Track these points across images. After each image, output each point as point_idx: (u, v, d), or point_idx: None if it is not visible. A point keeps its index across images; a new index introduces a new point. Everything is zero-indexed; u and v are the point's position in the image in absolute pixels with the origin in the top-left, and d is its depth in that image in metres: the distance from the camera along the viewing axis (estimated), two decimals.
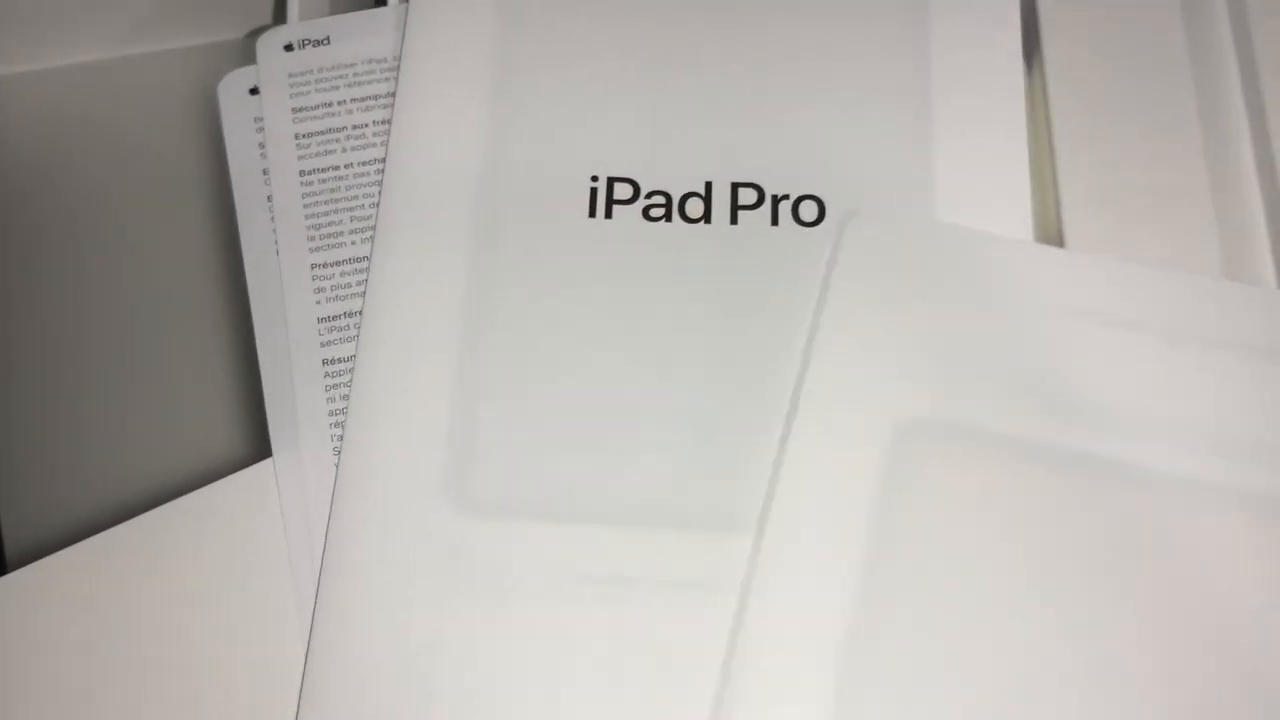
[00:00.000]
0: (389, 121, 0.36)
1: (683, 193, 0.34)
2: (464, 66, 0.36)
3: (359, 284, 0.34)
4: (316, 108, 0.37)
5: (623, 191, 0.34)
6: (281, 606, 0.30)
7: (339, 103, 0.37)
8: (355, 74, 0.38)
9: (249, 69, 0.38)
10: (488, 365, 0.32)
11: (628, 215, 0.34)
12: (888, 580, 0.30)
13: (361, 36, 0.39)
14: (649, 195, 0.34)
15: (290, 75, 0.38)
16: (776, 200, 0.34)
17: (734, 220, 0.34)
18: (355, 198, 0.36)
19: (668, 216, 0.34)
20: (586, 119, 0.35)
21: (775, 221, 0.34)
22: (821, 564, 0.30)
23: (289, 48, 0.38)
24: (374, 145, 0.36)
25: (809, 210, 0.34)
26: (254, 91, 0.38)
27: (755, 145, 0.35)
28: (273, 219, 0.35)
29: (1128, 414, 0.31)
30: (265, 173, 0.36)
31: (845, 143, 0.35)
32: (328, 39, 0.39)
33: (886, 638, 0.29)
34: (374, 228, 0.34)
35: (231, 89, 0.38)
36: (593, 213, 0.34)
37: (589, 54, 0.36)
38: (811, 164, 0.35)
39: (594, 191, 0.34)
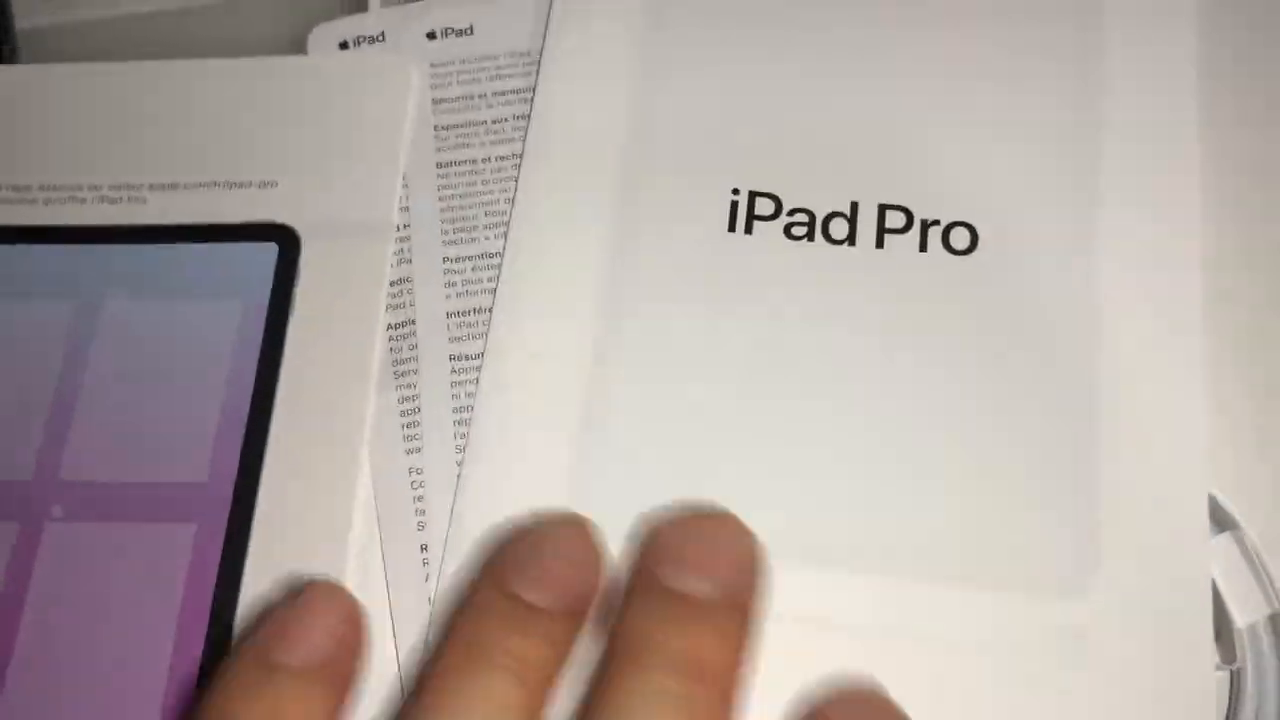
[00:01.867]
0: (529, 116, 0.36)
1: (827, 212, 0.33)
2: (605, 67, 0.35)
3: (490, 280, 0.34)
4: (457, 99, 0.37)
5: (764, 207, 0.34)
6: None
7: (479, 95, 0.37)
8: (498, 67, 0.37)
9: (338, 21, 0.38)
10: (619, 379, 0.32)
11: (769, 232, 0.33)
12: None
13: (506, 26, 0.38)
14: (791, 213, 0.33)
15: (433, 65, 0.38)
16: (925, 225, 0.33)
17: (879, 244, 0.33)
18: (491, 192, 0.35)
19: (810, 236, 0.33)
20: (728, 129, 0.35)
21: (924, 248, 0.33)
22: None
23: (432, 36, 0.38)
24: (512, 140, 0.36)
25: (960, 238, 0.33)
26: (343, 46, 0.38)
27: (905, 165, 0.34)
28: None
29: None
30: None
31: (1002, 168, 0.34)
32: (471, 28, 0.38)
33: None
34: (508, 224, 0.34)
35: (321, 42, 0.38)
36: (733, 227, 0.33)
37: (733, 62, 0.35)
38: (964, 188, 0.33)
39: (734, 205, 0.34)
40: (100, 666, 0.29)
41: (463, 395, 0.32)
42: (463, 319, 0.33)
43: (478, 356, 0.32)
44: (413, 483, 0.32)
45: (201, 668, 0.29)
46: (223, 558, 0.30)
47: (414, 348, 0.33)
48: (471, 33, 0.38)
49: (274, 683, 0.25)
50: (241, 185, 0.35)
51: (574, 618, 0.26)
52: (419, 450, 0.32)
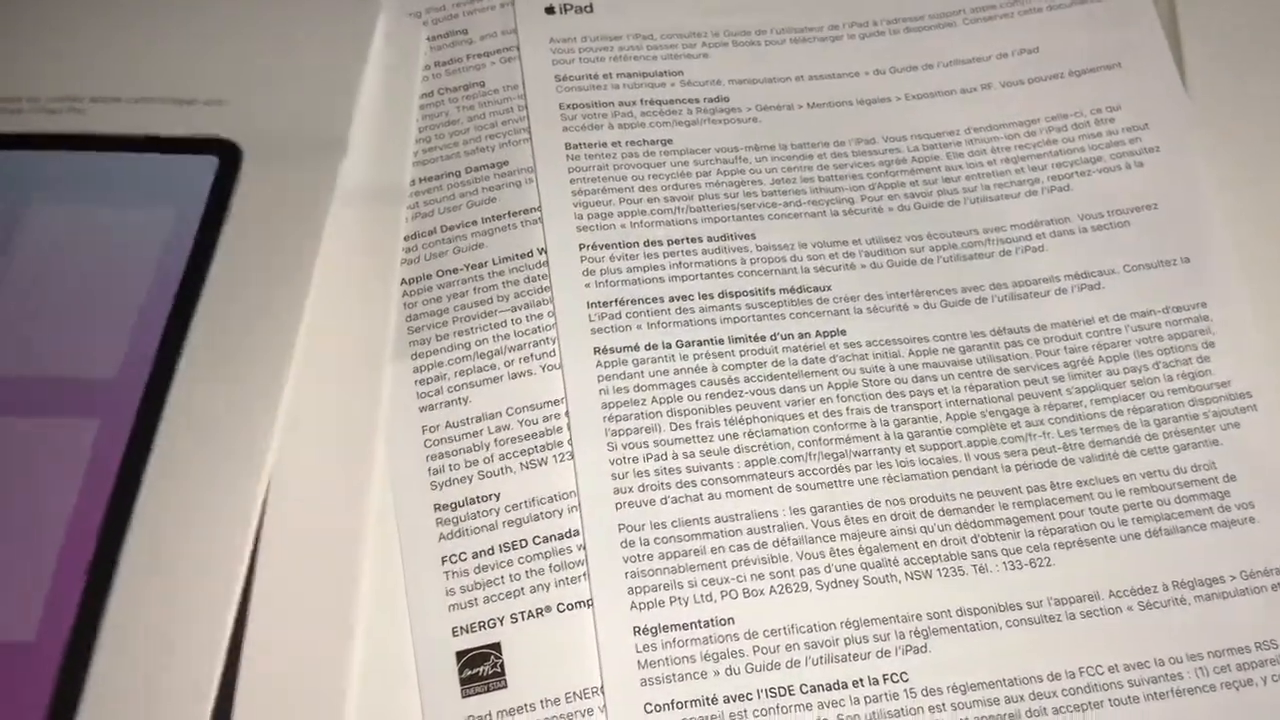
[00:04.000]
0: (659, 102, 0.36)
1: None
2: None
3: (630, 269, 0.34)
4: (581, 78, 0.37)
5: None
6: None
7: (604, 75, 0.37)
8: (621, 48, 0.38)
9: None
10: None
11: None
12: None
13: (626, 7, 0.38)
14: None
15: (552, 40, 0.38)
16: None
17: None
18: (624, 178, 0.36)
19: None
20: None
21: None
22: None
23: (550, 10, 0.38)
24: (642, 125, 0.36)
25: None
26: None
27: None
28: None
29: None
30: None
31: None
32: (591, 6, 0.39)
33: None
34: None
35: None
36: None
37: None
38: None
39: None
40: None
41: (611, 391, 0.32)
42: (604, 309, 0.34)
43: (622, 350, 0.33)
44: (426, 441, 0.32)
45: (90, 569, 0.28)
46: (125, 454, 0.29)
47: (429, 302, 0.34)
48: (591, 10, 0.38)
49: None
50: (187, 102, 0.35)
51: None
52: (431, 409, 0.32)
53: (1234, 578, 0.30)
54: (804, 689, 0.29)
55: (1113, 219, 0.35)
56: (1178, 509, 0.31)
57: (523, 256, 0.34)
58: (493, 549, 0.31)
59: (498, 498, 0.31)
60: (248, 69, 0.36)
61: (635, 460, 0.31)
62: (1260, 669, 0.30)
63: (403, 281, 0.34)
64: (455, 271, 0.34)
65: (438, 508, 0.31)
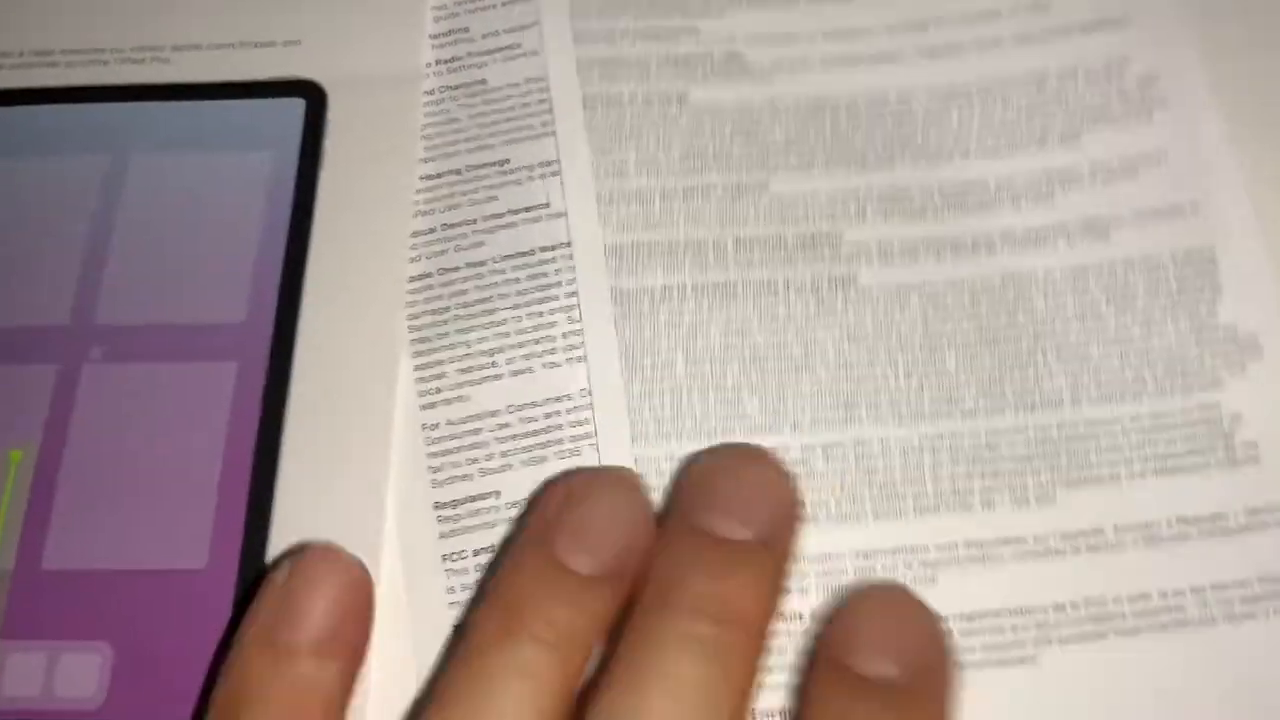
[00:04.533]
0: (675, 58, 0.37)
1: None
2: None
3: (645, 216, 0.35)
4: (598, 33, 0.38)
5: None
6: None
7: (621, 31, 0.38)
8: (638, 5, 0.38)
9: None
10: None
11: None
12: None
13: None
14: None
15: None
16: None
17: None
18: (640, 132, 0.36)
19: None
20: None
21: None
22: None
23: None
24: (658, 80, 0.37)
25: None
26: None
27: None
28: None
29: None
30: None
31: None
32: None
33: None
34: None
35: None
36: None
37: None
38: None
39: None
40: (146, 498, 0.30)
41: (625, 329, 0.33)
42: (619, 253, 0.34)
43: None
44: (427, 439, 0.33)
45: (248, 503, 0.30)
46: (265, 393, 0.31)
47: (429, 300, 0.34)
48: None
49: (287, 665, 0.25)
50: (264, 45, 0.36)
51: (620, 582, 0.26)
52: (432, 407, 0.33)
53: (1237, 514, 0.31)
54: (814, 616, 0.30)
55: (1122, 168, 0.35)
56: (1184, 448, 0.32)
57: (523, 254, 0.35)
58: (493, 546, 0.31)
59: (498, 495, 0.32)
60: (318, 6, 0.37)
61: (651, 397, 0.32)
62: (1262, 602, 0.30)
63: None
64: (455, 270, 0.35)
65: (437, 505, 0.32)
